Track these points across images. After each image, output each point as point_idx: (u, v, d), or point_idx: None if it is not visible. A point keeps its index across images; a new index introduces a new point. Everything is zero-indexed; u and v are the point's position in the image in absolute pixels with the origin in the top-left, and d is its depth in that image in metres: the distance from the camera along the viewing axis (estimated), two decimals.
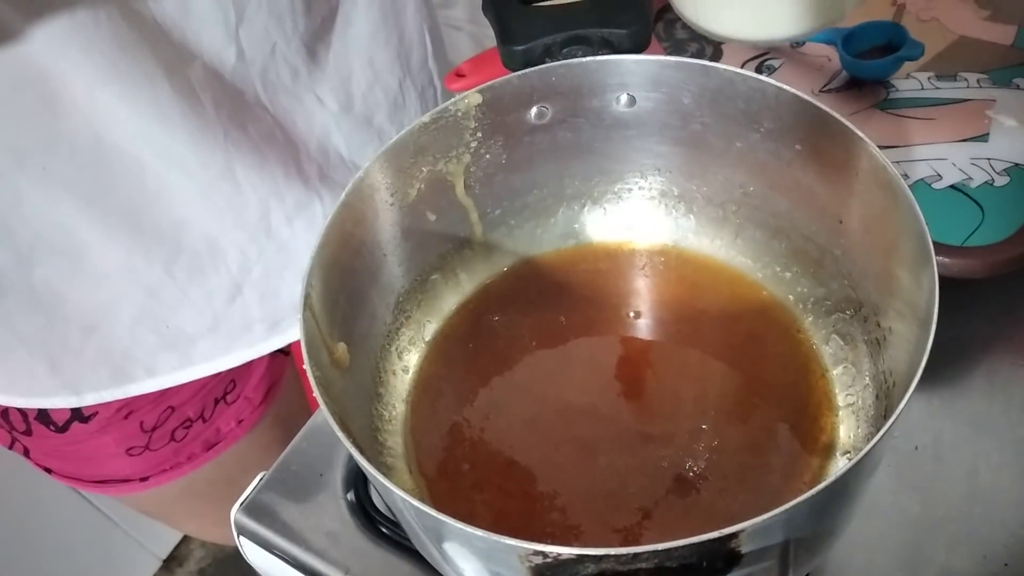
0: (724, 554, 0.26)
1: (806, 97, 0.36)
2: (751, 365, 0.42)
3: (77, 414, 0.59)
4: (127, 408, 0.59)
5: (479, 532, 0.26)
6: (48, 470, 0.65)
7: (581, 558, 0.25)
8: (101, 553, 1.32)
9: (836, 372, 0.41)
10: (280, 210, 0.55)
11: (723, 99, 0.39)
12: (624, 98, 0.42)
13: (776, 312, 0.43)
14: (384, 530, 0.45)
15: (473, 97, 0.41)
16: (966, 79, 0.53)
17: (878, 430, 0.28)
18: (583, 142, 0.44)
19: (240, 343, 0.59)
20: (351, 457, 0.48)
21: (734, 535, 0.25)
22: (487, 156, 0.43)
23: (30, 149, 0.45)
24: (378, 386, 0.42)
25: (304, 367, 0.32)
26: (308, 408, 0.82)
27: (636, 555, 0.25)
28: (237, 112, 0.50)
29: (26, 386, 0.56)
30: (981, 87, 0.53)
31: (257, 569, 0.50)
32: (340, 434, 0.29)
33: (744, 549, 0.26)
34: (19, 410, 0.59)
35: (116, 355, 0.56)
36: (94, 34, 0.42)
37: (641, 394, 0.42)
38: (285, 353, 0.75)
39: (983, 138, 0.50)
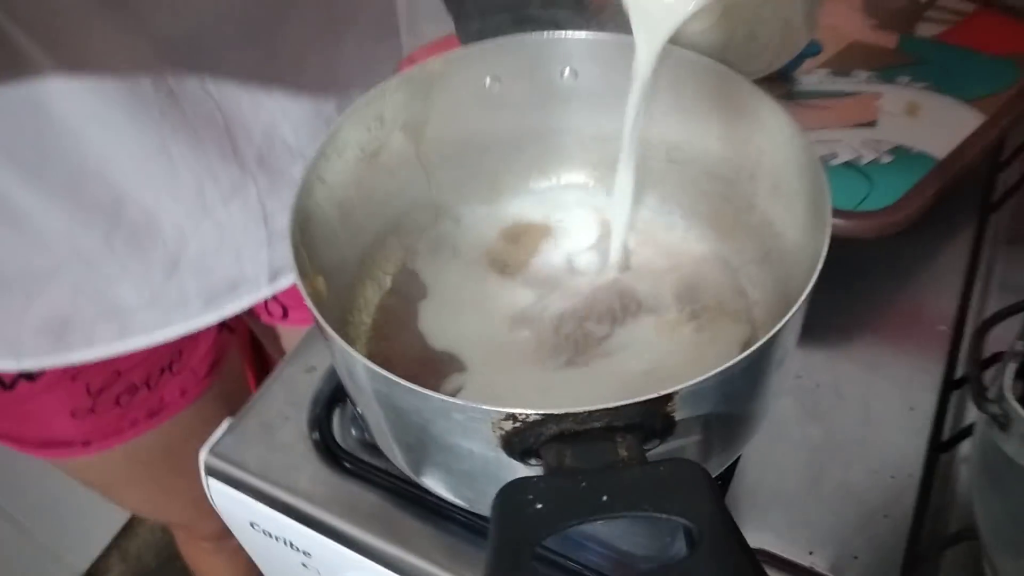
0: (662, 417, 0.31)
1: (721, 64, 0.42)
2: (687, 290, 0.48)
3: (25, 372, 0.60)
4: (74, 369, 0.61)
5: (459, 401, 0.30)
6: None
7: (546, 418, 0.30)
8: (18, 567, 1.28)
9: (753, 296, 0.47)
10: (215, 190, 0.56)
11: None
12: (567, 71, 0.48)
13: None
14: (347, 465, 0.49)
15: (434, 65, 0.46)
16: (858, 75, 0.61)
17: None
18: (532, 111, 0.49)
19: (177, 316, 0.61)
20: (316, 400, 0.52)
21: (670, 396, 0.30)
22: (444, 121, 0.48)
23: None
24: (347, 315, 0.46)
25: (296, 282, 0.36)
26: (248, 387, 0.84)
27: (591, 413, 0.30)
28: (177, 93, 0.51)
29: None
30: (870, 83, 0.61)
31: (221, 511, 0.52)
32: (326, 328, 0.33)
33: (678, 415, 0.31)
34: None
35: (56, 323, 0.57)
36: (40, 3, 0.44)
37: (581, 306, 0.47)
38: (231, 330, 0.77)
39: (872, 124, 0.58)
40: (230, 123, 0.55)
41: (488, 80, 0.48)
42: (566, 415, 0.30)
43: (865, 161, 0.55)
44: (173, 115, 0.52)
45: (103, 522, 1.45)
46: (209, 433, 0.59)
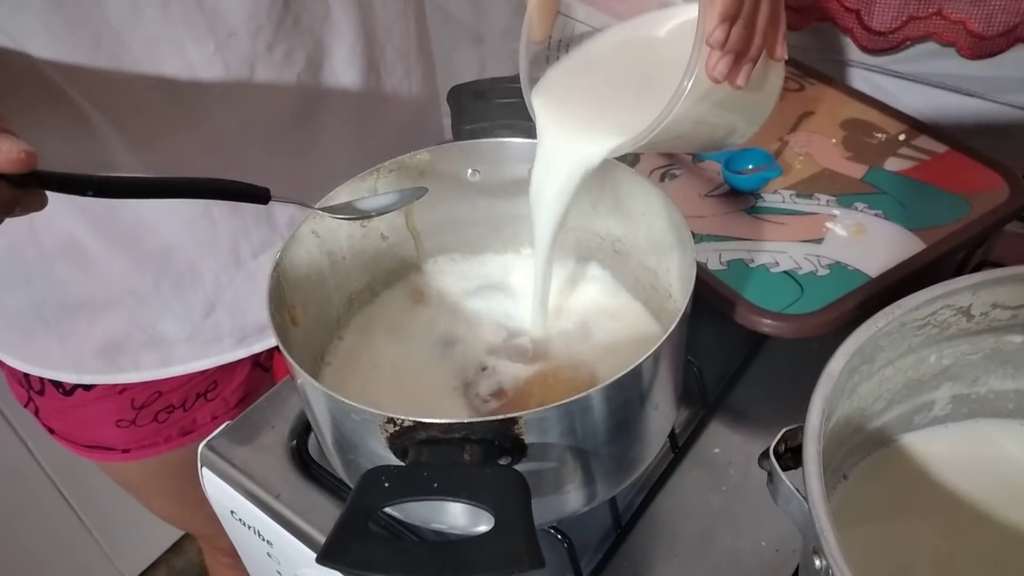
0: (511, 438, 0.39)
1: (625, 166, 0.52)
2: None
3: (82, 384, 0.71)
4: (122, 384, 0.72)
5: (355, 404, 0.40)
6: (51, 430, 0.77)
7: (417, 425, 0.39)
8: (71, 561, 1.40)
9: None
10: (247, 246, 0.66)
11: (595, 176, 0.54)
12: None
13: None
14: (313, 471, 0.58)
15: (424, 155, 0.57)
16: (819, 199, 0.69)
17: None
18: (501, 199, 0.59)
19: (212, 351, 0.71)
20: (298, 414, 0.62)
21: (515, 420, 0.38)
22: (431, 199, 0.59)
23: None
24: (331, 342, 0.56)
25: (266, 306, 0.46)
26: None
27: (451, 425, 0.38)
28: (223, 168, 0.57)
29: (41, 359, 0.69)
30: (828, 206, 0.68)
31: (210, 498, 0.62)
32: (281, 346, 0.44)
33: (527, 438, 0.40)
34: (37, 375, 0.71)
35: (111, 348, 0.68)
36: (116, 94, 0.54)
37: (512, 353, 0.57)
38: (266, 370, 0.88)
39: (819, 241, 0.65)
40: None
41: (469, 171, 0.58)
42: (432, 424, 0.39)
43: (803, 272, 0.62)
44: None
45: (156, 537, 1.57)
46: None
